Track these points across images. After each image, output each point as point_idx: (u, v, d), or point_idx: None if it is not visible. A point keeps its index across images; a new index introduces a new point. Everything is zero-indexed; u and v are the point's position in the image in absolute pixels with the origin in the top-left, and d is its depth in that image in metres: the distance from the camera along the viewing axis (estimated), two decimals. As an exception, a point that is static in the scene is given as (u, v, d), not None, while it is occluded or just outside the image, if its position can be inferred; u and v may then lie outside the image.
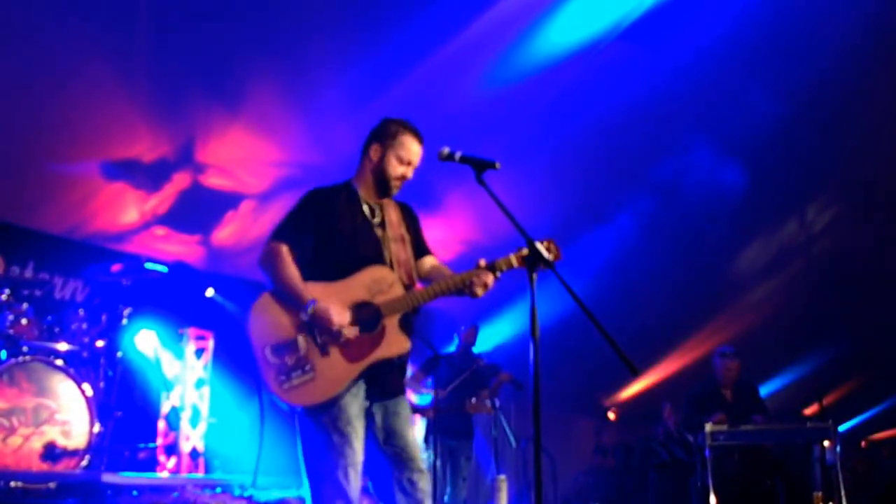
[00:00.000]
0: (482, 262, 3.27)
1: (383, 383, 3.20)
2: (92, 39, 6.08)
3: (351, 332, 3.07)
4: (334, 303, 3.08)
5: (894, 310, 11.30)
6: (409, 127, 3.37)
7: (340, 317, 3.06)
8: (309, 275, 3.16)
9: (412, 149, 3.35)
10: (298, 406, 3.04)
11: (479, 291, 3.24)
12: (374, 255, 3.27)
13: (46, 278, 6.80)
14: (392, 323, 3.17)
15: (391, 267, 3.28)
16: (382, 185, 3.37)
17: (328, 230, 3.24)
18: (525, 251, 3.15)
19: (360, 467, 3.08)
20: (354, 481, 3.05)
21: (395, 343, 3.16)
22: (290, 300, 3.11)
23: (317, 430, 3.06)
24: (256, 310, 3.14)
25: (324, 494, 3.02)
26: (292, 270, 3.14)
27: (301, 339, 3.07)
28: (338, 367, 3.06)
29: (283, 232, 3.23)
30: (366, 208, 3.36)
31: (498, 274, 3.26)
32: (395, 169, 3.34)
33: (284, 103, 7.18)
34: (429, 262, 3.46)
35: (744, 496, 6.41)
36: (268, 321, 3.11)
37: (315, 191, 3.35)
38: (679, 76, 7.40)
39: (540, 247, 2.98)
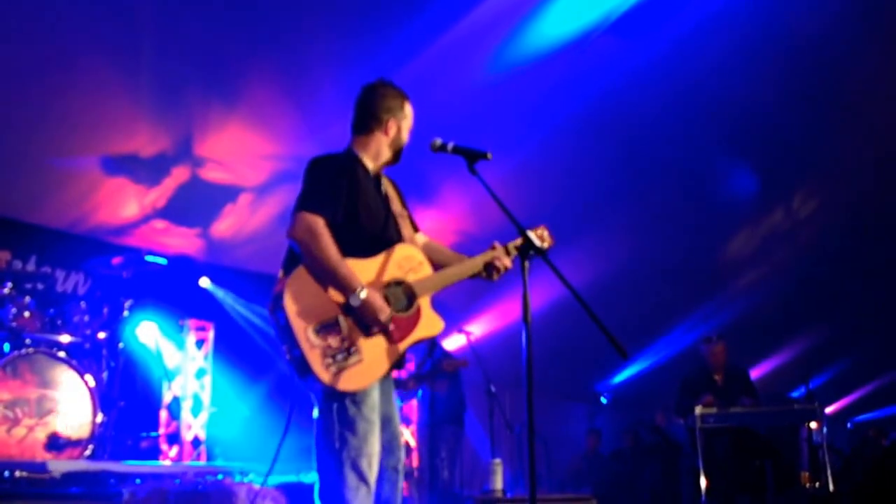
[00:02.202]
0: (497, 244, 3.23)
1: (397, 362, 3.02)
2: (92, 35, 6.10)
3: (391, 325, 2.90)
4: (376, 290, 2.88)
5: (878, 294, 11.47)
6: (406, 94, 3.27)
7: (385, 311, 2.86)
8: (340, 248, 2.91)
9: (411, 116, 3.27)
10: (346, 391, 2.82)
11: (496, 275, 3.19)
12: (394, 232, 3.12)
13: (48, 272, 6.77)
14: (425, 303, 3.06)
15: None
16: (397, 157, 3.24)
17: (358, 203, 3.01)
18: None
19: (377, 457, 2.92)
20: (376, 470, 2.90)
21: (431, 324, 3.06)
22: (331, 280, 2.85)
23: (346, 416, 2.85)
24: (293, 287, 2.82)
25: (347, 482, 2.82)
26: (335, 250, 2.85)
27: (343, 319, 2.84)
28: (382, 348, 2.91)
29: (316, 202, 2.91)
30: (375, 182, 3.17)
31: (512, 257, 3.20)
32: (405, 139, 3.25)
33: (281, 98, 7.21)
34: (422, 238, 3.31)
35: (733, 476, 6.51)
36: (307, 300, 2.82)
37: (334, 157, 3.10)
38: (666, 67, 7.47)
39: (532, 235, 2.98)
